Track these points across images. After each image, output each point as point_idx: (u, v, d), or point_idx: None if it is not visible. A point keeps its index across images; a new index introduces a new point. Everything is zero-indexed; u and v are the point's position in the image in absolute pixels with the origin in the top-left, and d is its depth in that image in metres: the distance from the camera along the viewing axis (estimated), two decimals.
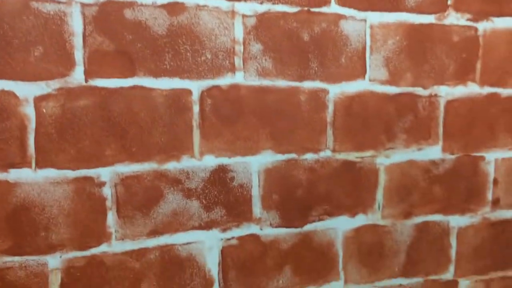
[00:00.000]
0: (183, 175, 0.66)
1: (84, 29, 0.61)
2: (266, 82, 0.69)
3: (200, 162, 0.67)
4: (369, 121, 0.74)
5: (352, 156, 0.74)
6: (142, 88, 0.63)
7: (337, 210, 0.74)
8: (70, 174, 0.61)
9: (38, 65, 0.59)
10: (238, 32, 0.66)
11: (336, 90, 0.72)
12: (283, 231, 0.72)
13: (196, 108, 0.66)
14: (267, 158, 0.70)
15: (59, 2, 0.59)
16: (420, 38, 0.74)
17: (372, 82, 0.73)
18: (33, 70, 0.59)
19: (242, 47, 0.67)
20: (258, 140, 0.69)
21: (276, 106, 0.69)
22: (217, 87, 0.67)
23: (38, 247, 0.61)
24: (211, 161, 0.67)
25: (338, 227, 0.74)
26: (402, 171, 0.76)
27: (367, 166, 0.75)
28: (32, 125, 0.60)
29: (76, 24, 0.60)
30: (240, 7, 0.66)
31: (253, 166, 0.69)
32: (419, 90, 0.75)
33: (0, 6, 0.57)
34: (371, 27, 0.72)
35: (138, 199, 0.65)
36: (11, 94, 0.59)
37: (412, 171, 0.77)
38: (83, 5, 0.60)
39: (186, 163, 0.66)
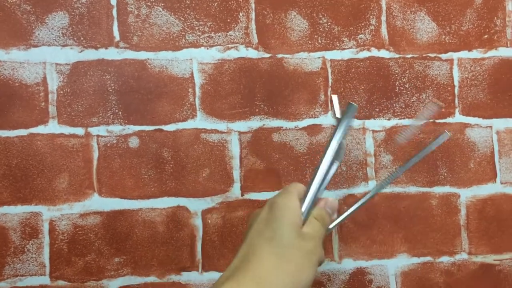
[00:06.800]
0: (324, 277, 0.72)
1: (241, 152, 0.73)
2: (397, 189, 0.74)
3: (340, 265, 0.73)
4: (505, 223, 0.74)
5: (489, 258, 0.74)
6: None
7: None
8: None
9: (205, 184, 0.72)
10: (369, 146, 0.74)
11: (468, 194, 0.74)
12: None
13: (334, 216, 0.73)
14: (402, 261, 0.73)
15: (222, 132, 0.73)
16: None
17: (504, 185, 0.75)
18: (202, 188, 0.72)
19: (373, 159, 0.74)
20: (393, 244, 0.73)
21: (408, 211, 0.74)
22: (352, 196, 0.74)
23: None
24: (349, 264, 0.73)
25: None
26: None
27: (506, 268, 0.74)
28: (200, 234, 0.72)
29: (234, 149, 0.73)
30: (370, 124, 0.75)
31: (389, 269, 0.73)
32: None
33: (178, 139, 0.72)
34: (498, 132, 0.75)
35: None
36: (185, 209, 0.72)
37: None
38: (240, 133, 0.73)
39: (328, 266, 0.73)
